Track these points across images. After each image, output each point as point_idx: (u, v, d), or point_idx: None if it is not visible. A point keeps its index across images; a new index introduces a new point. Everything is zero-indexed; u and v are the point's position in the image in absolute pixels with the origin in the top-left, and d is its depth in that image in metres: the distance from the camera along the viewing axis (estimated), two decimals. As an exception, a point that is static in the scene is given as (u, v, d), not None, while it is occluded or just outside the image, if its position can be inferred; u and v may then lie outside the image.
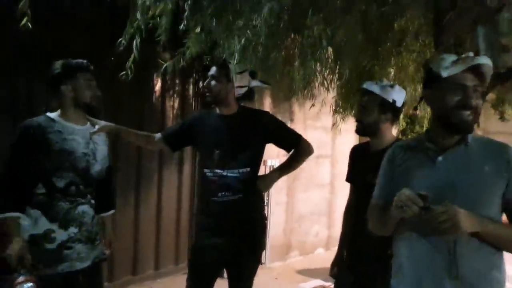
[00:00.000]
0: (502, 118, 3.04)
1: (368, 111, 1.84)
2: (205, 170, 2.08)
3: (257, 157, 2.14)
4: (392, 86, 1.84)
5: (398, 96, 1.83)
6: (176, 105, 3.73)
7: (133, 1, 1.70)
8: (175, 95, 3.73)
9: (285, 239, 4.49)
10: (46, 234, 1.77)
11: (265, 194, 4.08)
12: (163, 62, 1.92)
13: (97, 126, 1.92)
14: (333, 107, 3.69)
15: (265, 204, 2.27)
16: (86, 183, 1.87)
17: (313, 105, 3.69)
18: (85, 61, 1.90)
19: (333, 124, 4.17)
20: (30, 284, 1.70)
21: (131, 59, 1.86)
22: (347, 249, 2.01)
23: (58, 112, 1.88)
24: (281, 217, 4.43)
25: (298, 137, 2.18)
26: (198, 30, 1.63)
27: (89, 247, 1.87)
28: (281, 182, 4.30)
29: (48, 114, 1.88)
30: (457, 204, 1.20)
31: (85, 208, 1.86)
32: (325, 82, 2.98)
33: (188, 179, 3.84)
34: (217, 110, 2.12)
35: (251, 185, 2.06)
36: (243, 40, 1.76)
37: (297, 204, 4.59)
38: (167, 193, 3.66)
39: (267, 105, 4.11)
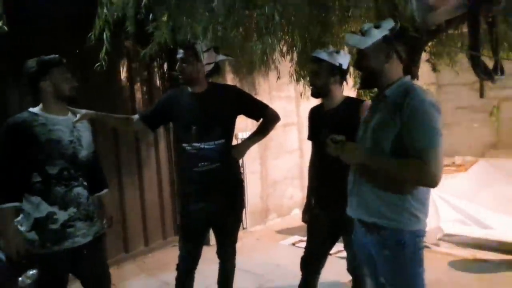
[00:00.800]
0: (434, 70, 3.38)
1: (319, 76, 2.11)
2: (184, 145, 2.30)
3: (230, 129, 2.38)
4: (337, 52, 2.11)
5: (343, 60, 2.11)
6: (144, 90, 3.90)
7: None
8: (143, 81, 3.90)
9: (262, 204, 4.81)
10: (48, 216, 1.95)
11: (240, 163, 4.38)
12: (140, 50, 2.08)
13: (78, 115, 2.09)
14: (294, 77, 3.94)
15: (241, 170, 2.53)
16: (76, 168, 2.04)
17: (278, 77, 3.92)
18: (57, 56, 2.02)
19: (301, 93, 4.42)
20: (33, 271, 1.89)
21: (103, 50, 2.02)
22: (315, 197, 2.31)
23: (40, 106, 2.02)
24: (257, 184, 4.73)
25: (265, 107, 2.43)
26: (164, 18, 1.81)
27: (88, 224, 2.06)
28: (254, 153, 4.60)
29: (31, 109, 2.01)
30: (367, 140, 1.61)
31: (79, 190, 2.04)
32: (282, 54, 3.22)
33: (165, 157, 4.06)
34: (189, 89, 2.31)
35: (227, 154, 2.31)
36: (203, 22, 1.96)
37: (270, 171, 4.89)
38: (148, 172, 3.88)
39: (229, 79, 4.32)
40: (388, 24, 1.60)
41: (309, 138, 2.36)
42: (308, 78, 3.64)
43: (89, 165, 2.13)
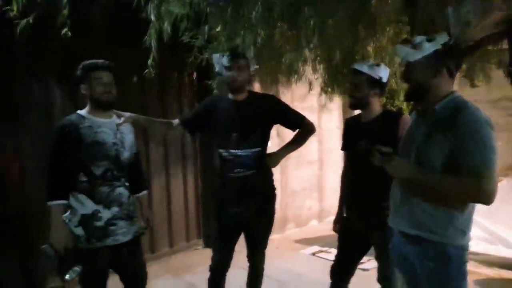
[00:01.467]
0: (472, 85, 3.42)
1: (359, 88, 2.16)
2: (221, 150, 2.36)
3: (266, 138, 2.44)
4: (378, 65, 2.17)
5: (383, 73, 2.17)
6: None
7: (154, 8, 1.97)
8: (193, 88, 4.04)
9: (281, 213, 4.84)
10: (93, 213, 2.05)
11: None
12: (194, 60, 2.19)
13: (122, 118, 2.17)
14: (320, 88, 4.01)
15: (273, 177, 2.59)
16: (119, 169, 2.13)
17: (310, 89, 3.96)
18: (100, 60, 2.10)
19: (323, 105, 4.49)
20: (78, 267, 1.98)
21: (151, 58, 2.12)
22: (347, 206, 2.36)
23: (87, 108, 2.12)
24: (277, 193, 4.76)
25: (302, 118, 2.49)
26: (218, 29, 1.91)
27: (129, 223, 2.15)
28: (275, 161, 4.65)
29: (79, 112, 2.12)
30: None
31: (121, 190, 2.13)
32: (311, 66, 3.30)
33: (192, 162, 4.15)
34: (230, 96, 2.37)
35: (262, 162, 2.37)
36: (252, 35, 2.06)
37: (290, 181, 4.94)
38: (174, 176, 3.99)
39: (255, 88, 4.40)
40: (442, 38, 1.59)
41: (343, 148, 2.41)
42: (338, 90, 3.73)
43: (131, 167, 2.22)
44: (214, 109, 2.41)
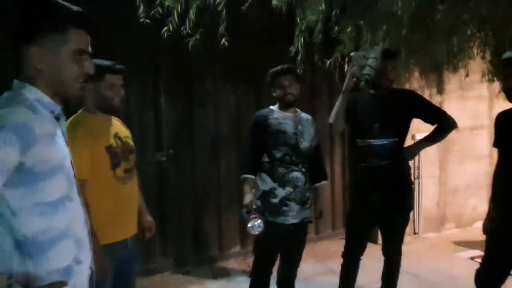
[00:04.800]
0: None
1: None
2: (358, 140, 2.44)
3: (403, 130, 2.44)
4: None
5: None
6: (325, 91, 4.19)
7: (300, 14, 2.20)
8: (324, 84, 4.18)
9: (439, 211, 4.51)
10: (271, 190, 2.40)
11: (415, 167, 4.22)
12: (325, 60, 2.36)
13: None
14: (486, 76, 3.57)
15: (411, 171, 2.54)
16: (297, 155, 2.42)
17: (467, 75, 3.62)
18: (284, 66, 2.40)
19: (498, 92, 3.97)
20: (259, 221, 2.26)
21: (298, 58, 2.34)
22: (497, 208, 2.13)
23: (277, 105, 2.48)
24: (433, 189, 4.46)
25: (442, 112, 2.43)
26: (349, 29, 1.99)
27: (300, 207, 2.42)
28: (432, 155, 4.35)
29: (271, 106, 2.50)
30: None
31: (297, 174, 2.41)
32: (472, 53, 2.99)
33: (340, 151, 4.29)
34: (371, 91, 2.43)
35: (397, 153, 2.37)
36: (385, 27, 2.05)
37: (450, 177, 4.53)
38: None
39: (415, 78, 4.18)
40: None
41: (495, 145, 2.17)
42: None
43: (310, 156, 2.49)
44: (356, 103, 2.48)
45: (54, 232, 1.07)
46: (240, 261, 3.74)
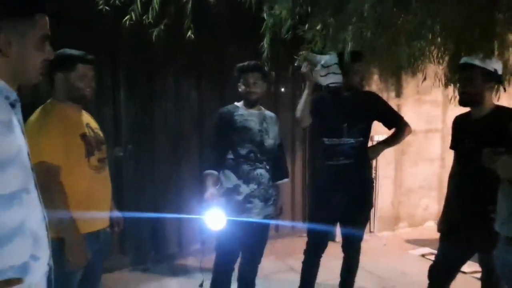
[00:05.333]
0: None
1: (472, 83, 2.00)
2: (324, 139, 2.47)
3: (368, 130, 2.53)
4: (489, 58, 1.98)
5: (497, 65, 1.98)
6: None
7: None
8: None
9: (393, 211, 4.68)
10: (235, 187, 2.37)
11: (372, 168, 4.35)
12: (295, 57, 2.36)
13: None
14: (443, 81, 3.74)
15: (373, 170, 2.65)
16: (262, 152, 2.41)
17: (424, 79, 3.76)
18: (251, 63, 2.39)
19: (451, 98, 4.15)
20: (219, 216, 2.21)
21: (264, 55, 2.32)
22: (452, 208, 2.22)
23: (242, 101, 2.46)
24: (389, 189, 4.62)
25: (400, 118, 2.56)
26: (319, 27, 2.00)
27: (263, 205, 2.41)
28: (389, 157, 4.50)
29: (236, 103, 2.47)
30: None
31: (262, 172, 2.41)
32: (431, 58, 3.10)
33: (300, 151, 4.32)
34: (341, 90, 2.48)
35: (361, 152, 2.43)
36: (351, 28, 2.08)
37: (405, 178, 4.71)
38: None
39: (374, 81, 4.30)
40: None
41: (451, 147, 2.28)
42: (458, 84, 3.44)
43: (273, 154, 2.49)
44: (325, 102, 2.54)
45: (8, 227, 0.99)
46: (200, 258, 3.68)
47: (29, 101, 1.63)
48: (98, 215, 1.84)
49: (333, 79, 2.41)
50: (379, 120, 2.57)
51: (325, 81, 2.42)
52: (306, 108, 2.43)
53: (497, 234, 1.73)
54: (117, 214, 2.08)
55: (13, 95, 1.07)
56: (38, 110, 1.77)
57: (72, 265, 1.68)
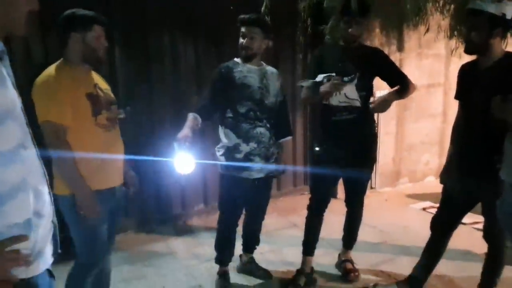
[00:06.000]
0: None
1: (478, 30, 1.89)
2: None
3: (371, 85, 2.46)
4: (500, 0, 1.85)
5: (508, 9, 1.84)
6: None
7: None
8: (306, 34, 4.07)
9: (394, 167, 4.69)
10: (235, 146, 2.34)
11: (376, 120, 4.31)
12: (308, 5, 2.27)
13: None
14: (448, 33, 3.62)
15: (376, 125, 2.59)
16: (262, 111, 2.36)
17: (427, 30, 3.64)
18: (245, 16, 2.27)
19: (452, 50, 4.05)
20: (187, 158, 2.09)
21: (264, 4, 2.21)
22: (455, 159, 2.20)
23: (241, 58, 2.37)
24: (390, 146, 4.61)
25: (404, 76, 2.43)
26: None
27: (265, 162, 2.39)
28: (391, 112, 4.43)
29: (235, 59, 2.40)
30: None
31: (262, 130, 2.36)
32: (437, 6, 2.98)
33: (301, 110, 4.26)
34: (341, 43, 2.41)
35: (365, 107, 2.37)
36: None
37: (407, 134, 4.69)
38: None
39: (376, 34, 4.18)
40: None
41: (456, 97, 2.22)
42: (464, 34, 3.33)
43: (275, 111, 2.43)
44: (325, 56, 2.47)
45: (11, 184, 0.97)
46: (204, 218, 3.74)
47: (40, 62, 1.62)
48: (110, 172, 1.88)
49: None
50: (382, 78, 2.48)
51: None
52: (309, 99, 2.47)
53: (501, 183, 1.72)
54: (131, 173, 2.11)
55: (0, 45, 1.02)
56: (46, 70, 1.77)
57: (87, 220, 1.75)
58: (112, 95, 1.98)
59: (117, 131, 1.95)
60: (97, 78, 1.94)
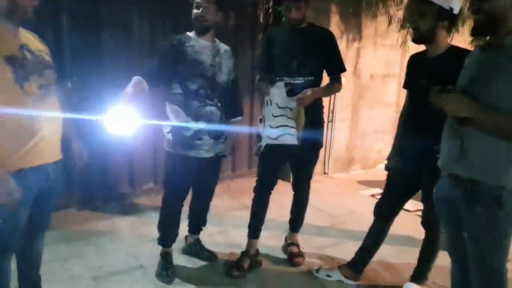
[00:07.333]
0: None
1: (426, 19, 1.94)
2: (275, 78, 2.35)
3: (320, 69, 2.42)
4: None
5: (455, 3, 1.90)
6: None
7: None
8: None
9: (348, 153, 4.79)
10: (183, 124, 2.23)
11: (330, 111, 4.36)
12: None
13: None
14: (399, 22, 3.68)
15: (323, 110, 2.59)
16: (213, 89, 2.27)
17: (390, 21, 3.67)
18: None
19: (403, 41, 4.15)
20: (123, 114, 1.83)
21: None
22: (399, 146, 2.25)
23: (194, 32, 2.26)
24: (345, 132, 4.68)
25: (340, 69, 2.45)
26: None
27: (213, 141, 2.31)
28: (346, 100, 4.52)
29: (187, 32, 2.28)
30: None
31: (212, 109, 2.27)
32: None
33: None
34: (290, 24, 2.35)
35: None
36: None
37: (361, 121, 4.78)
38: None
39: (334, 22, 4.18)
40: None
41: (404, 86, 2.26)
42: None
43: (226, 90, 2.34)
44: (275, 38, 2.43)
45: None
46: (153, 197, 3.65)
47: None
48: (40, 148, 1.62)
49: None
50: (323, 62, 2.40)
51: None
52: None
53: (439, 172, 1.76)
54: (77, 145, 1.91)
55: None
56: None
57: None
58: (47, 57, 1.73)
59: (53, 99, 1.70)
60: (27, 38, 1.67)
